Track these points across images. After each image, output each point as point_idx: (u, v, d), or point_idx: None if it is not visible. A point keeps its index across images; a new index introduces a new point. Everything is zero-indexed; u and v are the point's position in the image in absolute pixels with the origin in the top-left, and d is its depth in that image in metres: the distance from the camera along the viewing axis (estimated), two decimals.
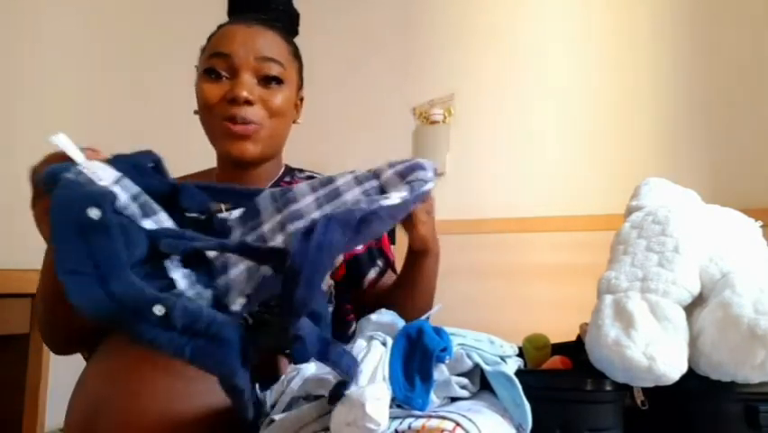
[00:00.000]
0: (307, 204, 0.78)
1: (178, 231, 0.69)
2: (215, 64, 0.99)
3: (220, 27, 1.05)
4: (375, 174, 0.82)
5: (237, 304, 0.68)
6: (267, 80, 1.00)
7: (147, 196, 0.73)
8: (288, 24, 1.10)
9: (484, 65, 2.34)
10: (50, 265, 0.86)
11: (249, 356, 0.61)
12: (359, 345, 0.71)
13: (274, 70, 1.00)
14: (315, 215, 0.77)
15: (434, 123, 2.39)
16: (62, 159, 0.69)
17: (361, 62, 2.56)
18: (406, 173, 0.77)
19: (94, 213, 0.60)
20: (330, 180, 0.82)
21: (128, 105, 2.14)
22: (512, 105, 2.27)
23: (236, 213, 0.82)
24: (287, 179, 1.10)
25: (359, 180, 0.81)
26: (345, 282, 1.04)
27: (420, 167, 0.77)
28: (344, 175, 0.83)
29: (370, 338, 0.72)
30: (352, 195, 0.79)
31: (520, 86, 2.26)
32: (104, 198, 0.62)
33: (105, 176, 0.68)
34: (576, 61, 2.18)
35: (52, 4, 1.94)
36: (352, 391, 0.62)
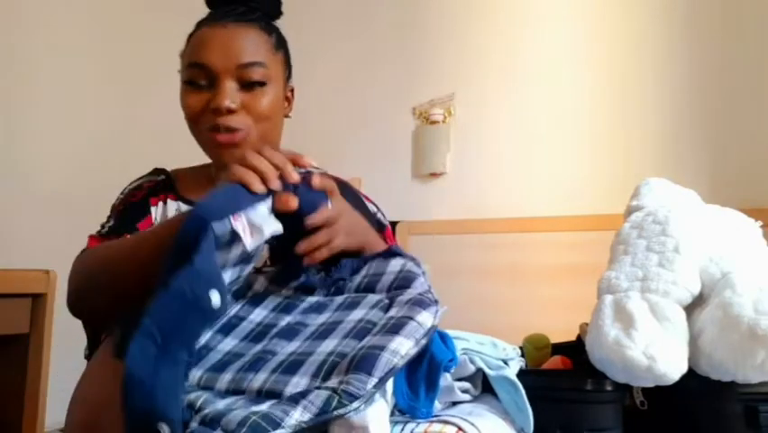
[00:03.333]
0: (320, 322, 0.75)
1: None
2: (194, 76, 0.96)
3: (197, 27, 1.01)
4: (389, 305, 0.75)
5: None
6: (250, 85, 0.96)
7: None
8: (270, 8, 1.05)
9: (484, 65, 2.34)
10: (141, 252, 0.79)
11: None
12: None
13: (256, 75, 0.96)
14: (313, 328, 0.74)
15: (434, 123, 2.38)
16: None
17: (361, 62, 2.56)
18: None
19: (215, 298, 0.58)
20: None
21: (128, 105, 2.14)
22: (512, 105, 2.26)
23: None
24: None
25: (371, 306, 0.76)
26: None
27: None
28: (375, 295, 0.78)
29: None
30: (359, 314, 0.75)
31: (520, 86, 2.26)
32: (224, 293, 0.60)
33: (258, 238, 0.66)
34: (576, 61, 2.18)
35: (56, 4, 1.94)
36: (350, 414, 0.61)
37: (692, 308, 0.91)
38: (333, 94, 2.51)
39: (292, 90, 1.09)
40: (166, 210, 1.00)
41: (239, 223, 0.64)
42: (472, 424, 0.65)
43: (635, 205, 1.14)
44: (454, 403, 0.74)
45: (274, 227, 0.68)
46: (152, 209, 1.00)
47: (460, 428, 0.64)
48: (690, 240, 0.95)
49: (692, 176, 1.78)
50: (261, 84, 0.97)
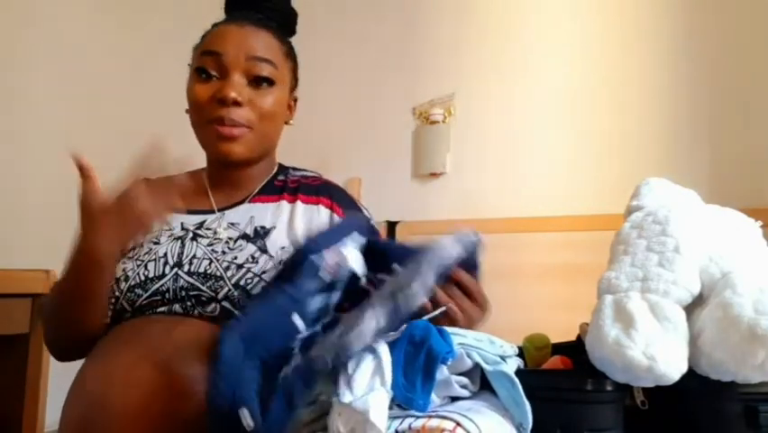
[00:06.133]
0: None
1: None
2: (206, 63, 0.99)
3: (215, 26, 1.05)
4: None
5: None
6: (258, 81, 0.99)
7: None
8: (284, 24, 1.09)
9: (484, 65, 2.33)
10: (78, 265, 0.86)
11: None
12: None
13: (265, 71, 0.99)
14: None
15: (434, 123, 2.38)
16: None
17: (361, 62, 2.56)
18: None
19: (298, 323, 0.70)
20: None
21: (126, 105, 2.14)
22: (512, 104, 2.26)
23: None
24: (280, 177, 1.10)
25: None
26: None
27: None
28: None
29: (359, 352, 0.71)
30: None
31: (520, 85, 2.26)
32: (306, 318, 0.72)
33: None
34: (576, 61, 2.18)
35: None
36: (350, 400, 0.62)
37: (692, 308, 0.90)
38: (333, 94, 2.50)
39: (295, 100, 1.12)
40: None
41: (331, 256, 0.77)
42: (471, 420, 0.65)
43: (635, 205, 1.14)
44: (453, 399, 0.74)
45: (358, 266, 0.81)
46: None
47: (458, 424, 0.64)
48: (690, 240, 0.95)
49: (692, 176, 1.78)
50: (269, 82, 1.00)
